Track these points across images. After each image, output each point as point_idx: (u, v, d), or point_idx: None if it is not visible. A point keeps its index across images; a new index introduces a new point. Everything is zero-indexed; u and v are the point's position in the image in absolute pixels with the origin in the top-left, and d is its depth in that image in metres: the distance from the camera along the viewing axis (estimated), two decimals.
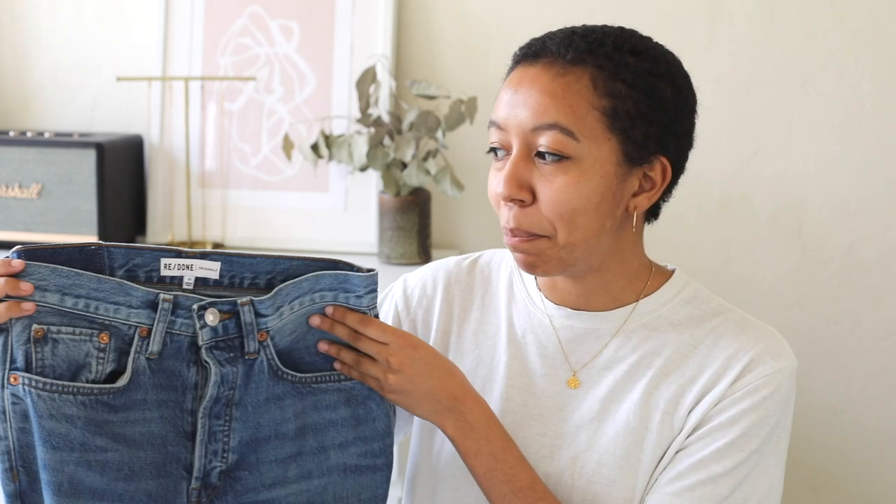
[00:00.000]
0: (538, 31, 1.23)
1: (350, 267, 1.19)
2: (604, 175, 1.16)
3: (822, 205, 2.16)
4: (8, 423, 1.12)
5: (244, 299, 1.15)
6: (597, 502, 1.21)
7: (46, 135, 2.25)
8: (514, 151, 1.17)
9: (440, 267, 1.37)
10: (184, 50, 2.28)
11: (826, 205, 2.16)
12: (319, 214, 2.24)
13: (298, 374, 1.20)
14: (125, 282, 1.13)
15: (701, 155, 2.17)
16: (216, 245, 2.24)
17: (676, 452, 1.19)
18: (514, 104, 1.17)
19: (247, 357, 1.17)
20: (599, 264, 1.22)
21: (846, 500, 2.20)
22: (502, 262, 1.35)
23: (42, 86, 2.39)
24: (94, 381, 1.13)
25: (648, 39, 1.21)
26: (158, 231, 2.29)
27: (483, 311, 1.32)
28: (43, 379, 1.11)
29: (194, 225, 2.27)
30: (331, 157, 2.12)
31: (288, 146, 2.15)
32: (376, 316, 1.21)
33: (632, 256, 1.25)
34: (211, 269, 1.17)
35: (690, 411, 1.19)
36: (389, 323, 1.32)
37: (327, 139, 2.12)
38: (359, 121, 2.09)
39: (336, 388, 1.21)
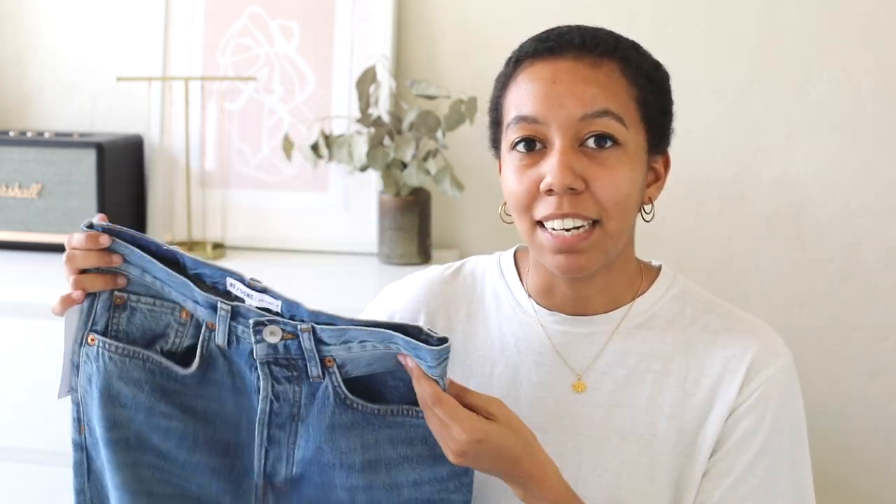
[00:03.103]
0: (539, 31, 1.23)
1: (418, 331, 1.10)
2: (642, 163, 1.19)
3: (822, 205, 2.15)
4: (79, 378, 1.19)
5: (305, 325, 1.12)
6: None
7: (46, 135, 2.25)
8: (560, 142, 1.15)
9: (422, 278, 1.35)
10: (184, 50, 2.28)
11: (826, 205, 2.15)
12: (319, 214, 2.24)
13: (371, 406, 1.16)
14: (189, 282, 1.16)
15: (701, 155, 2.19)
16: (216, 245, 2.24)
17: (704, 474, 1.18)
18: (554, 96, 1.16)
19: (312, 380, 1.15)
20: (614, 260, 1.22)
21: (846, 499, 2.20)
22: (486, 270, 1.33)
23: (42, 86, 2.39)
24: (170, 351, 1.18)
25: None
26: (158, 231, 2.29)
27: (470, 321, 1.30)
28: (116, 343, 1.17)
29: (194, 225, 2.27)
30: (331, 157, 2.11)
31: (288, 146, 2.15)
32: (444, 386, 1.12)
33: (631, 253, 1.26)
34: (272, 304, 1.15)
35: (703, 424, 1.19)
36: None
37: (327, 139, 2.12)
38: (359, 121, 2.09)
39: (414, 424, 1.16)
